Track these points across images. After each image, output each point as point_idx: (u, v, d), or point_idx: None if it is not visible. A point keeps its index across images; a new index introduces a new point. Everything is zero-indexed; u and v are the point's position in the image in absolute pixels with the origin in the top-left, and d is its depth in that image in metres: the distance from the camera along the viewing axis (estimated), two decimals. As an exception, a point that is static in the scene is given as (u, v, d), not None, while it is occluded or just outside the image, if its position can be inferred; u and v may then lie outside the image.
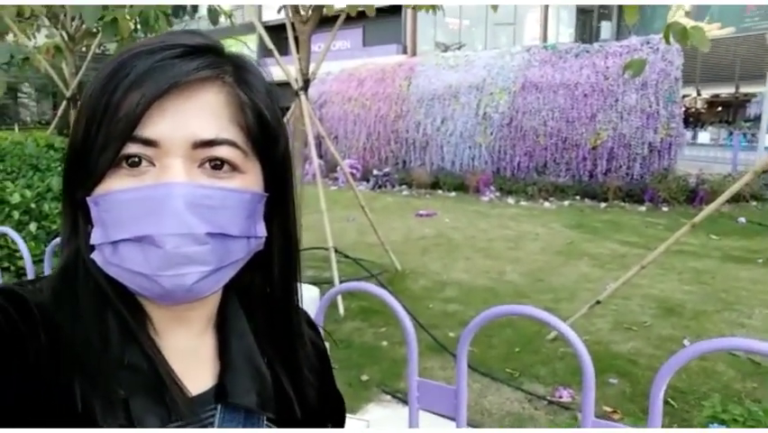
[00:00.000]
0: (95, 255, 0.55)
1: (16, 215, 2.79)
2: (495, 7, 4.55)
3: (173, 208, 0.51)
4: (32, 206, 2.82)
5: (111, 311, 0.56)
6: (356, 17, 4.99)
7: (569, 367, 3.64)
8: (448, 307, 4.80)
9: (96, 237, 0.54)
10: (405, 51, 25.87)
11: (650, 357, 3.80)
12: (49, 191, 2.98)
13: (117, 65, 0.53)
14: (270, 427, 0.64)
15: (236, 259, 0.57)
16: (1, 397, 0.49)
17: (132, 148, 0.52)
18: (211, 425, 0.60)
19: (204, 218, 0.52)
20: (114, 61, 0.54)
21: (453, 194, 12.04)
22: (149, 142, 0.52)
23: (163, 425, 0.55)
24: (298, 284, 0.68)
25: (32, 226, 2.78)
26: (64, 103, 6.26)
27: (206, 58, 0.55)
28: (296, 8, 4.62)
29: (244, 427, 0.61)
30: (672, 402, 3.21)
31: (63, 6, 5.72)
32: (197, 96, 0.54)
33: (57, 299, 0.56)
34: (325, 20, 4.78)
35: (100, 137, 0.52)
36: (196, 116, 0.53)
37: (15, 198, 2.80)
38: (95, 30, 6.54)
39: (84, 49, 7.32)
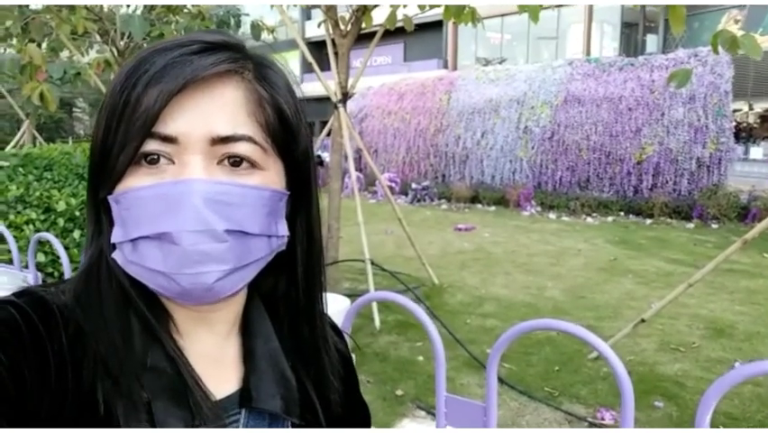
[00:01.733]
0: (116, 254, 0.54)
1: (61, 222, 2.87)
2: (536, 18, 4.48)
3: (191, 205, 0.50)
4: (77, 213, 2.90)
5: (134, 313, 0.55)
6: (397, 32, 5.00)
7: (612, 388, 3.51)
8: (486, 322, 4.71)
9: (116, 236, 0.54)
10: (446, 66, 25.91)
11: (698, 380, 3.63)
12: (93, 200, 3.06)
13: (136, 62, 0.53)
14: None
15: (257, 258, 0.56)
16: (20, 399, 0.48)
17: (151, 145, 0.51)
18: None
19: (222, 215, 0.51)
20: (134, 59, 0.54)
21: (493, 208, 11.89)
22: (168, 139, 0.51)
23: (186, 428, 0.53)
24: (323, 287, 0.67)
25: (76, 234, 2.85)
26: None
27: (225, 53, 0.54)
28: (335, 23, 4.67)
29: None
30: (721, 428, 3.04)
31: (113, 23, 5.95)
32: (216, 91, 0.53)
33: (79, 300, 0.55)
34: (366, 35, 4.81)
35: (120, 135, 0.52)
36: (215, 112, 0.52)
37: (61, 206, 2.89)
38: (142, 45, 6.78)
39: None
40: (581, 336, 1.15)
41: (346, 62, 4.72)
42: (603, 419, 3.17)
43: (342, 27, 4.63)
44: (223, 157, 0.53)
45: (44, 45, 6.10)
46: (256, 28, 5.88)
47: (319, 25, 4.81)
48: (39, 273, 2.41)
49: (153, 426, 0.51)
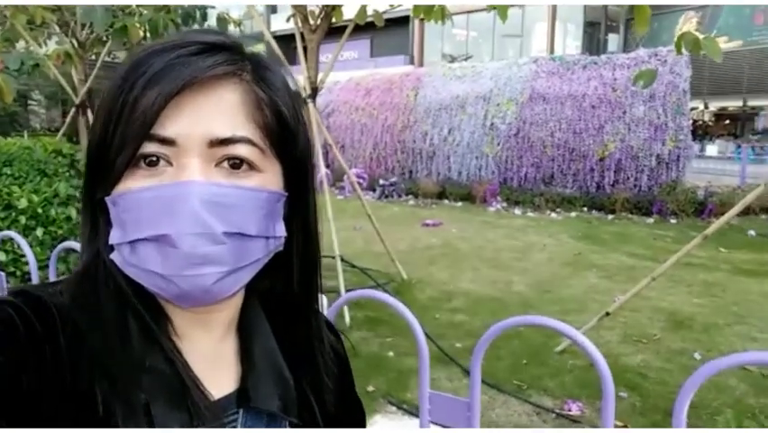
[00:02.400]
0: (114, 256, 0.54)
1: (23, 219, 2.78)
2: (504, 16, 4.54)
3: (189, 208, 0.50)
4: (39, 211, 2.81)
5: (131, 313, 0.55)
6: (364, 28, 4.99)
7: (577, 380, 3.59)
8: (455, 317, 4.76)
9: (114, 237, 0.54)
10: (412, 62, 26.00)
11: (660, 371, 3.75)
12: (56, 196, 2.97)
13: (133, 63, 0.53)
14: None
15: (255, 259, 0.56)
16: (18, 399, 0.48)
17: (149, 147, 0.51)
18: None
19: (220, 217, 0.51)
20: (131, 60, 0.54)
21: (460, 204, 12.00)
22: (166, 141, 0.51)
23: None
24: (319, 288, 0.67)
25: (39, 231, 2.76)
26: (73, 110, 6.30)
27: (223, 55, 0.54)
28: (305, 17, 4.63)
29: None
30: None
31: (74, 14, 5.76)
32: (214, 93, 0.53)
33: (77, 300, 0.55)
34: (334, 30, 4.79)
35: (117, 136, 0.51)
36: (213, 114, 0.52)
37: (22, 203, 2.79)
38: (104, 38, 6.59)
39: (93, 56, 7.38)
40: (565, 332, 1.18)
41: (316, 57, 4.69)
42: (570, 410, 3.24)
43: (311, 22, 4.60)
44: (221, 159, 0.53)
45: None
46: (222, 21, 5.79)
47: (288, 19, 4.76)
48: (2, 273, 2.33)
49: (152, 427, 0.51)
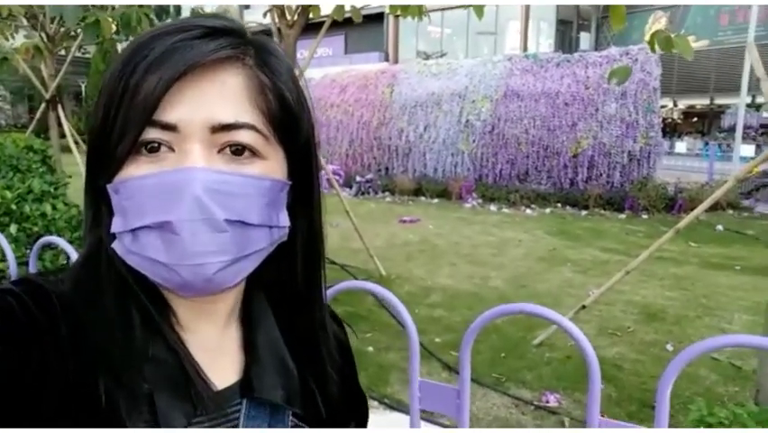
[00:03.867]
0: (115, 245, 0.53)
1: (-4, 216, 2.73)
2: (480, 14, 4.58)
3: (191, 194, 0.49)
4: (13, 207, 2.74)
5: (134, 303, 0.54)
6: (339, 24, 4.98)
7: (554, 372, 3.66)
8: (434, 312, 4.79)
9: (116, 225, 0.53)
10: (387, 59, 26.00)
11: (634, 362, 3.84)
12: (30, 192, 2.90)
13: (135, 47, 0.52)
14: (296, 422, 0.62)
15: (258, 249, 0.55)
16: (19, 390, 0.47)
17: (151, 133, 0.50)
18: (236, 420, 0.58)
19: (222, 205, 0.50)
20: (132, 44, 0.53)
21: (436, 200, 12.07)
22: (167, 127, 0.50)
23: (188, 420, 0.53)
24: (323, 278, 0.66)
25: (13, 228, 2.70)
26: (43, 105, 6.16)
27: (226, 39, 0.53)
28: (281, 12, 4.61)
29: (270, 421, 0.60)
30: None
31: (42, 7, 5.62)
32: (216, 78, 0.52)
33: (79, 290, 0.54)
34: (310, 26, 4.77)
35: (119, 123, 0.50)
36: (215, 99, 0.51)
37: (-5, 200, 2.74)
38: (74, 32, 6.45)
39: (63, 51, 7.21)
40: (552, 318, 1.21)
41: (293, 53, 4.67)
42: (548, 402, 3.30)
43: (288, 17, 4.58)
44: (224, 145, 0.52)
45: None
46: (196, 15, 5.71)
47: (265, 15, 4.73)
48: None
49: (155, 418, 0.51)
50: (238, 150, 0.53)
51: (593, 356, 1.13)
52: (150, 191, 0.50)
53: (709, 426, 2.50)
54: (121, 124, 0.50)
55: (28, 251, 2.03)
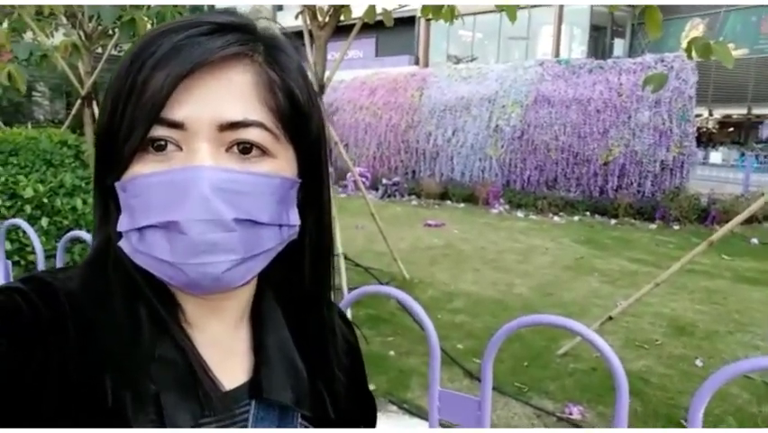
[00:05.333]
0: (122, 243, 0.53)
1: (28, 209, 2.77)
2: (513, 17, 4.53)
3: (198, 193, 0.48)
4: (45, 201, 2.80)
5: (142, 302, 0.54)
6: (370, 27, 4.98)
7: (578, 384, 3.59)
8: (456, 318, 4.75)
9: (122, 224, 0.52)
10: (417, 63, 25.99)
11: (661, 376, 3.74)
12: (61, 187, 2.96)
13: (143, 44, 0.51)
14: (305, 424, 0.61)
15: (267, 248, 0.54)
16: (23, 388, 0.47)
17: (158, 131, 0.50)
18: (245, 421, 0.58)
19: (231, 204, 0.50)
20: (141, 41, 0.52)
21: (462, 205, 11.99)
22: (175, 125, 0.50)
23: (195, 420, 0.52)
24: (332, 278, 0.65)
25: (44, 221, 2.76)
26: (78, 102, 6.29)
27: (234, 35, 0.52)
28: (313, 14, 4.63)
29: (278, 423, 0.59)
30: (684, 424, 3.14)
31: (81, 6, 5.75)
32: (225, 75, 0.51)
33: (87, 288, 0.54)
34: (341, 28, 4.78)
35: (126, 120, 0.50)
36: (223, 97, 0.51)
37: (28, 193, 2.78)
38: (111, 31, 6.58)
39: (99, 49, 7.37)
40: (578, 331, 1.17)
41: (323, 54, 4.69)
42: (571, 413, 3.23)
43: (320, 19, 4.59)
44: (232, 144, 0.51)
45: (5, 24, 5.86)
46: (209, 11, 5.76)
47: (297, 16, 4.76)
48: (8, 262, 2.32)
49: (161, 418, 0.50)
50: (246, 148, 0.52)
51: (620, 369, 1.09)
52: (156, 190, 0.50)
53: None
54: (128, 122, 0.50)
55: (57, 243, 2.06)
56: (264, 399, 0.58)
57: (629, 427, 3.09)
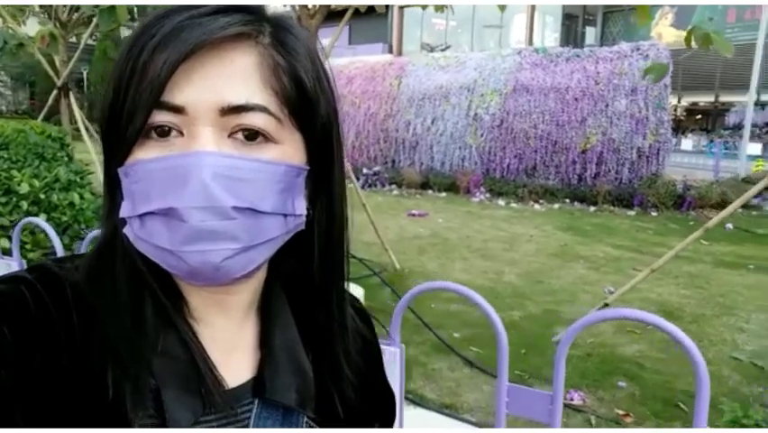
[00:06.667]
0: (126, 230, 0.51)
1: (25, 205, 2.67)
2: (503, 6, 4.55)
3: (198, 180, 0.47)
4: (41, 196, 2.71)
5: (147, 293, 0.53)
6: (341, 15, 4.93)
7: (576, 370, 3.64)
8: (450, 307, 4.77)
9: (125, 210, 0.51)
10: (390, 51, 25.90)
11: (655, 361, 3.82)
12: (56, 181, 2.87)
13: (145, 26, 0.50)
14: (311, 424, 0.60)
15: (270, 237, 0.52)
16: (26, 378, 0.47)
17: (159, 116, 0.48)
18: (247, 420, 0.56)
19: (231, 191, 0.48)
20: (141, 24, 0.50)
21: (444, 194, 12.02)
22: (175, 109, 0.48)
23: (196, 417, 0.51)
24: (343, 271, 0.62)
25: (42, 218, 2.66)
26: (54, 92, 6.11)
27: (238, 15, 0.50)
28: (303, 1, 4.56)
29: (282, 424, 0.58)
30: (682, 406, 3.22)
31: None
32: (227, 57, 0.49)
33: (92, 278, 0.53)
34: (332, 14, 4.72)
35: (127, 105, 0.48)
36: (225, 80, 0.49)
37: (24, 188, 2.68)
38: (86, 20, 6.39)
39: (74, 39, 7.17)
40: (661, 326, 1.18)
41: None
42: (572, 399, 3.28)
43: (310, 6, 4.53)
44: (235, 129, 0.49)
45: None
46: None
47: (285, 4, 4.67)
48: (23, 261, 2.24)
49: (161, 413, 0.49)
50: (250, 134, 0.50)
51: (704, 370, 1.10)
52: (157, 176, 0.48)
53: (744, 427, 2.49)
54: (129, 107, 0.48)
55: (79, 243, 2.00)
56: (267, 399, 0.57)
57: (625, 411, 3.14)
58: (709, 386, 1.14)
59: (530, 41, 22.80)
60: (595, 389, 3.41)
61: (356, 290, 3.95)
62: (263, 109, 0.49)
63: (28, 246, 2.57)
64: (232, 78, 0.49)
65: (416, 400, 3.28)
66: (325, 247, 0.59)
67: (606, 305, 3.89)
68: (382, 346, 1.74)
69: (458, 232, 8.04)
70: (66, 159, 3.37)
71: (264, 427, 0.56)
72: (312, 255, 0.59)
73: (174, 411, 0.50)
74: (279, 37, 0.52)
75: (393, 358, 1.63)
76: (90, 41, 6.28)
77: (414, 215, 9.32)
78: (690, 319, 4.65)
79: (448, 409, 3.20)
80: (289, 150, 0.52)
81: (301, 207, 0.54)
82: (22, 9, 6.09)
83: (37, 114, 6.38)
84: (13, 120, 4.33)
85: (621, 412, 3.17)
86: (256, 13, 0.51)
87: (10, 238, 2.32)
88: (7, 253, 2.37)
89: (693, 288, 5.53)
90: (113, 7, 4.90)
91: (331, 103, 0.56)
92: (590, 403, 3.27)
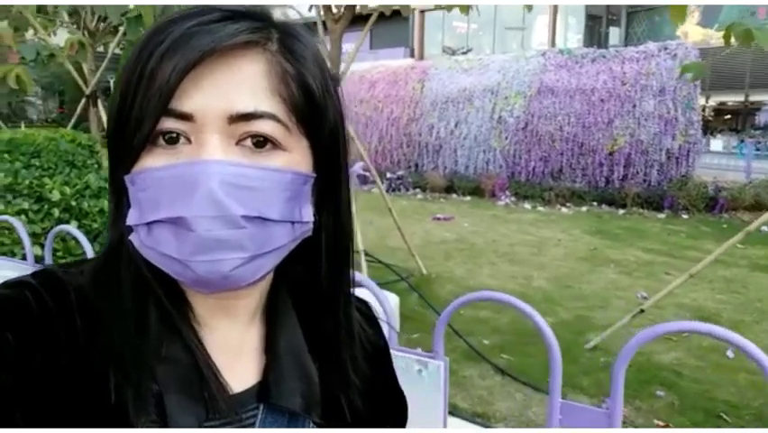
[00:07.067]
0: (132, 237, 0.51)
1: (56, 212, 2.69)
2: (529, 6, 4.49)
3: (206, 188, 0.46)
4: (73, 204, 2.72)
5: (152, 298, 0.52)
6: (364, 19, 4.90)
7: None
8: (480, 313, 4.70)
9: (131, 218, 0.50)
10: (412, 55, 25.89)
11: (694, 369, 3.70)
12: (87, 188, 2.88)
13: (153, 32, 0.49)
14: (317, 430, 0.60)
15: (278, 246, 0.51)
16: (28, 381, 0.46)
17: (167, 123, 0.48)
18: (251, 426, 0.55)
19: (239, 200, 0.47)
20: (151, 29, 0.50)
21: (468, 198, 11.92)
22: (183, 116, 0.48)
23: (199, 423, 0.50)
24: (350, 279, 0.62)
25: (73, 225, 2.67)
26: (83, 100, 6.20)
27: (246, 22, 0.50)
28: (328, 6, 4.54)
29: (287, 429, 0.57)
30: (725, 417, 3.11)
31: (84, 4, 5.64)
32: (235, 64, 0.49)
33: (97, 283, 0.53)
34: (355, 19, 4.70)
35: (135, 112, 0.48)
36: (233, 87, 0.48)
37: (55, 196, 2.70)
38: (114, 28, 6.47)
39: (102, 48, 7.27)
40: (737, 343, 1.11)
41: (339, 46, 4.61)
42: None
43: (334, 11, 4.51)
44: (243, 136, 0.49)
45: (4, 23, 5.75)
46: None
47: (310, 8, 4.67)
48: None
49: (164, 419, 0.49)
50: (259, 141, 0.50)
51: None
52: (164, 184, 0.48)
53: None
54: (137, 113, 0.48)
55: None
56: (272, 404, 0.56)
57: (665, 422, 3.04)
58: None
59: (553, 43, 22.57)
60: (632, 398, 3.31)
61: (391, 298, 3.90)
62: (271, 116, 0.49)
63: (59, 253, 2.58)
64: (240, 86, 0.49)
65: (450, 409, 3.21)
66: (333, 254, 0.59)
67: (641, 311, 3.78)
68: (425, 360, 1.68)
69: (484, 236, 7.94)
70: (96, 166, 3.40)
71: None
72: (319, 262, 0.59)
73: (176, 416, 0.49)
74: (287, 44, 0.52)
75: (437, 371, 1.57)
76: (117, 50, 6.36)
77: (439, 219, 9.25)
78: (729, 326, 4.45)
79: (480, 419, 3.13)
80: (297, 157, 0.52)
81: (308, 214, 0.54)
82: (52, 20, 6.18)
83: (66, 122, 6.47)
84: (44, 128, 4.40)
85: (660, 423, 3.06)
86: (264, 19, 0.51)
87: (42, 246, 2.33)
88: (40, 260, 2.39)
89: (729, 293, 5.36)
90: (140, 16, 4.95)
91: (338, 109, 0.56)
92: (628, 413, 3.17)
